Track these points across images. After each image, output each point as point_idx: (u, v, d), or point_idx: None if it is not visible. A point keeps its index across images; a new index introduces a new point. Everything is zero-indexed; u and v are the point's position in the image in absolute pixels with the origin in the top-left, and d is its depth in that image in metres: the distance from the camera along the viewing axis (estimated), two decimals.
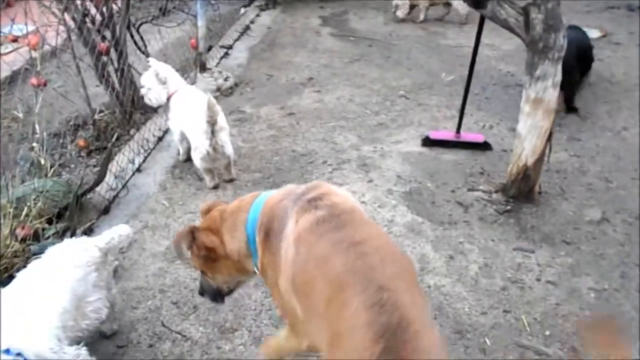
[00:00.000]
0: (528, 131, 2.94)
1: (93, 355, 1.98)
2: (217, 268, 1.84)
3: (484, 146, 3.75)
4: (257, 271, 1.78)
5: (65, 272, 1.94)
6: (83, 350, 1.84)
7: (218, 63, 5.36)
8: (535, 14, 2.64)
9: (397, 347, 1.26)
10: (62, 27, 3.71)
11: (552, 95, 2.79)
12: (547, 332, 2.34)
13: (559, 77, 2.77)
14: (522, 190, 3.11)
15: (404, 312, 1.32)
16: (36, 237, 2.74)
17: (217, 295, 1.99)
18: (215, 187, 3.28)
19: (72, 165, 3.80)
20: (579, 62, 4.13)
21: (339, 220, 1.58)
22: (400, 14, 6.69)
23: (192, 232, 1.78)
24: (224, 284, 1.94)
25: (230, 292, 2.02)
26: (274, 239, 1.65)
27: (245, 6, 7.41)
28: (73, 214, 2.86)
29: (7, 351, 1.59)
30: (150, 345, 2.25)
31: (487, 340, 2.30)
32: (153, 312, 2.41)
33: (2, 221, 2.55)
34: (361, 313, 1.33)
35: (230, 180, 3.34)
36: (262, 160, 3.65)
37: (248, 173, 3.48)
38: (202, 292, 2.03)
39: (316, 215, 1.58)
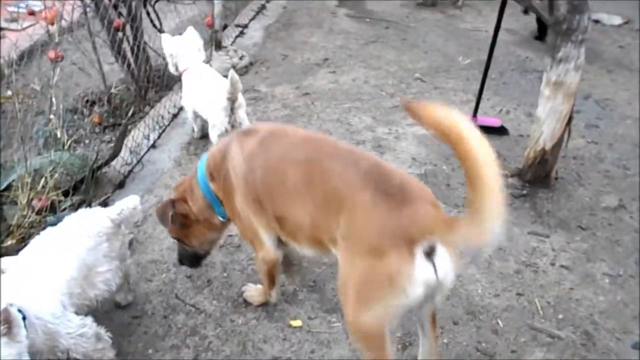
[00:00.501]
0: (547, 115, 2.90)
1: (109, 325, 2.01)
2: (192, 233, 2.17)
3: (501, 130, 3.71)
4: (223, 219, 2.13)
5: (76, 240, 1.96)
6: (88, 321, 1.85)
7: (233, 42, 5.33)
8: None
9: (383, 175, 1.64)
10: (78, 2, 3.71)
11: (574, 78, 2.75)
12: (560, 316, 2.33)
13: (581, 60, 2.72)
14: (538, 175, 3.08)
15: (377, 160, 1.81)
16: (52, 209, 2.76)
17: (195, 260, 2.31)
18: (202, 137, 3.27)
19: (87, 141, 3.82)
20: None
21: (282, 133, 1.97)
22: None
23: (173, 203, 2.12)
24: (200, 247, 2.25)
25: (207, 254, 2.33)
26: (222, 176, 1.99)
27: None
28: (89, 187, 2.88)
29: (10, 305, 1.61)
30: (165, 317, 2.27)
31: (500, 322, 2.30)
32: (167, 284, 2.43)
33: (20, 192, 2.57)
34: (343, 169, 1.69)
35: None
36: None
37: None
38: (181, 261, 2.34)
39: (258, 136, 1.94)
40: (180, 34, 3.53)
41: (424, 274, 1.51)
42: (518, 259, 2.64)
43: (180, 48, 3.37)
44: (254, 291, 2.35)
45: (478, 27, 5.97)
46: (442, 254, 1.53)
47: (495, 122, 3.76)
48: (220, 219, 2.14)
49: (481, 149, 1.36)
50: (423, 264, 1.51)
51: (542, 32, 5.60)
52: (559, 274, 2.56)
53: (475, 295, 2.43)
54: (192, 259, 2.29)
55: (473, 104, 3.79)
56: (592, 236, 2.80)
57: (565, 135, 3.01)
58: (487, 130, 3.70)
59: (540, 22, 5.52)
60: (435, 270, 1.52)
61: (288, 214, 1.86)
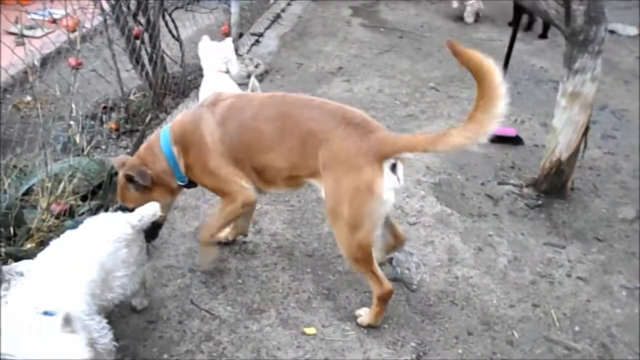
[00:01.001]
0: (563, 125, 2.89)
1: (125, 330, 2.03)
2: (153, 197, 2.27)
3: (516, 140, 3.71)
4: (184, 184, 2.35)
5: (96, 245, 1.99)
6: (104, 322, 1.88)
7: (249, 50, 5.38)
8: (577, 5, 2.59)
9: (347, 113, 2.07)
10: (98, 11, 3.77)
11: (590, 89, 2.75)
12: (577, 328, 2.31)
13: (598, 71, 2.72)
14: (554, 186, 3.06)
15: (336, 103, 2.17)
16: (70, 213, 2.80)
17: (154, 231, 2.38)
18: None
19: (104, 147, 3.87)
20: None
21: (248, 97, 2.29)
22: (469, 19, 6.36)
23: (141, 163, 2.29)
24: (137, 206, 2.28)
25: (163, 221, 2.47)
26: (192, 142, 2.22)
27: None
28: (107, 193, 2.92)
29: (48, 313, 1.63)
30: (180, 322, 2.28)
31: (515, 333, 2.28)
32: (182, 290, 2.45)
33: (40, 196, 2.61)
34: (313, 114, 2.07)
35: None
36: None
37: None
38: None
39: (226, 103, 2.23)
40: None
41: (392, 183, 1.99)
42: (533, 270, 2.63)
43: (229, 54, 3.43)
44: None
45: (492, 37, 5.97)
46: (400, 167, 2.03)
47: (510, 131, 3.75)
48: (179, 183, 2.36)
49: (498, 77, 1.81)
50: (390, 175, 1.98)
51: (545, 29, 5.94)
52: (575, 285, 2.54)
53: (490, 305, 2.42)
54: (150, 229, 2.25)
55: None
56: (608, 248, 2.78)
57: (582, 146, 3.00)
58: (503, 140, 3.70)
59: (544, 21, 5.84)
60: (398, 179, 2.02)
61: (268, 164, 2.19)
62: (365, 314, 2.30)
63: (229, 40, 3.55)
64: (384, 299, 2.20)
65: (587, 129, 2.91)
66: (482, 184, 3.28)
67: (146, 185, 2.28)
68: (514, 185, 3.22)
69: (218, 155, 2.22)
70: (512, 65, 3.61)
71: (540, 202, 3.08)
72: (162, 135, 2.31)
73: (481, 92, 1.81)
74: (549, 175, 3.04)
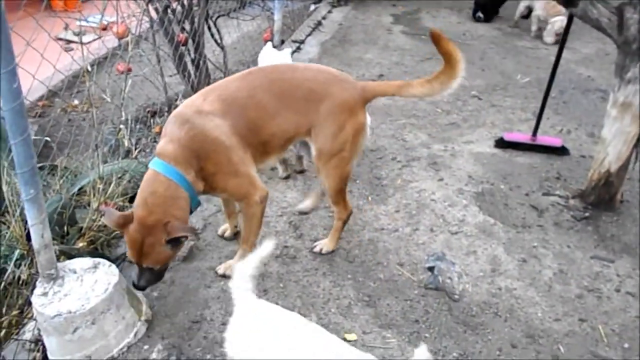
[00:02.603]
0: (613, 136, 2.81)
1: (170, 329, 2.06)
2: (174, 251, 2.14)
3: (561, 151, 3.62)
4: (195, 207, 2.22)
5: None
6: None
7: (290, 57, 5.44)
8: (630, 13, 2.52)
9: (330, 71, 2.48)
10: (145, 18, 3.89)
11: None
12: (626, 345, 2.24)
13: None
14: (602, 198, 2.98)
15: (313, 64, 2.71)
16: None
17: (159, 278, 2.22)
18: (287, 178, 3.34)
19: (148, 150, 3.98)
20: None
21: (226, 83, 2.35)
22: (549, 39, 5.84)
23: (167, 225, 2.04)
24: (168, 266, 2.24)
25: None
26: (208, 151, 2.17)
27: (315, 3, 7.47)
28: None
29: None
30: (223, 323, 2.32)
31: (561, 348, 2.23)
32: (225, 292, 2.49)
33: (92, 197, 2.70)
34: (304, 75, 2.40)
35: (301, 172, 3.39)
36: None
37: None
38: (146, 286, 2.18)
39: (211, 98, 2.23)
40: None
41: (368, 121, 2.54)
42: (580, 284, 2.56)
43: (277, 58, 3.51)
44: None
45: (537, 45, 5.86)
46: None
47: (556, 141, 3.67)
48: (194, 208, 2.23)
49: (460, 67, 2.29)
50: (367, 115, 2.50)
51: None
52: (624, 301, 2.46)
53: (535, 318, 2.37)
54: (158, 277, 2.21)
55: (532, 123, 3.72)
56: None
57: (633, 158, 2.91)
58: (548, 150, 3.63)
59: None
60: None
61: (275, 131, 2.33)
62: (325, 243, 2.72)
63: (288, 50, 3.61)
64: (346, 221, 2.68)
65: (638, 140, 2.82)
66: (527, 194, 3.22)
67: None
68: (560, 197, 3.15)
69: (236, 148, 2.23)
70: (558, 74, 3.53)
71: (587, 214, 3.00)
72: (166, 171, 2.10)
73: (447, 67, 2.30)
74: (597, 187, 2.96)
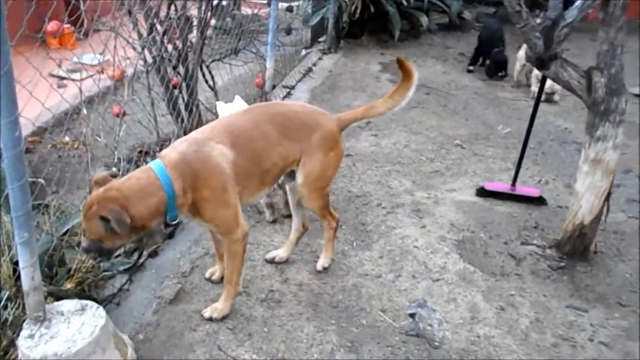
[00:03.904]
0: (586, 190, 2.95)
1: None
2: (118, 237, 2.15)
3: (539, 201, 3.76)
4: (174, 221, 2.28)
5: None
6: None
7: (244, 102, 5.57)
8: (598, 77, 2.70)
9: (312, 107, 2.87)
10: (140, 62, 4.02)
11: (612, 156, 2.82)
12: None
13: (619, 139, 2.80)
14: (577, 248, 3.10)
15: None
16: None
17: (107, 255, 2.32)
18: (274, 222, 3.42)
19: None
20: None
21: (235, 116, 2.64)
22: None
23: (123, 208, 2.07)
24: (116, 248, 2.33)
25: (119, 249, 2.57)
26: (206, 175, 2.29)
27: (306, 48, 7.73)
28: (142, 236, 3.05)
29: None
30: None
31: None
32: (210, 335, 2.53)
33: (81, 237, 2.75)
34: (295, 109, 2.74)
35: (288, 216, 3.46)
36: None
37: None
38: (88, 251, 2.27)
39: (222, 126, 2.46)
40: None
41: None
42: (555, 332, 2.64)
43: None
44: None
45: (518, 97, 6.11)
46: None
47: (534, 192, 3.82)
48: (170, 221, 2.29)
49: (415, 77, 2.73)
50: None
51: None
52: (598, 350, 2.54)
53: None
54: (104, 252, 2.27)
55: (512, 172, 3.87)
56: (632, 314, 2.78)
57: (604, 210, 3.04)
58: (526, 199, 3.76)
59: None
60: None
61: (276, 161, 2.54)
62: (324, 257, 3.00)
63: (238, 97, 3.69)
64: (337, 228, 2.94)
65: (609, 194, 2.97)
66: (505, 243, 3.33)
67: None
68: (537, 246, 3.26)
69: (233, 180, 2.36)
70: (537, 125, 3.71)
71: (563, 264, 3.10)
72: (160, 172, 2.19)
73: (402, 85, 2.73)
74: (572, 238, 3.08)
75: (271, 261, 3.04)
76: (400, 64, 2.74)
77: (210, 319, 2.60)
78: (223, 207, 2.37)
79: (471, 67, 7.03)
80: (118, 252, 2.97)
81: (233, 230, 2.42)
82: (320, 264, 2.99)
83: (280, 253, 3.05)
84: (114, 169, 3.35)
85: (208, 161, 2.30)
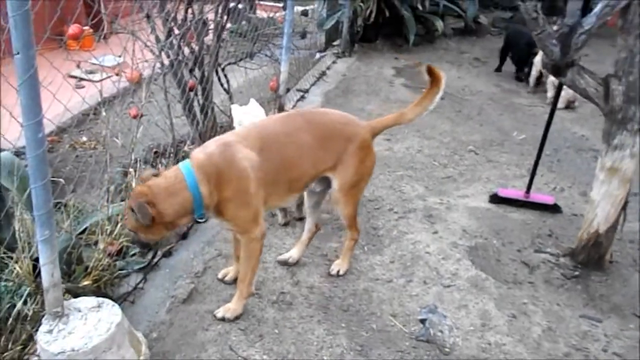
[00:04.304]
0: (602, 198, 2.94)
1: None
2: (150, 231, 2.33)
3: (554, 208, 3.74)
4: (201, 220, 2.45)
5: None
6: None
7: (294, 105, 5.65)
8: (615, 85, 2.69)
9: (346, 114, 2.86)
10: (158, 64, 4.07)
11: (630, 165, 2.80)
12: None
13: (637, 148, 2.78)
14: (591, 257, 3.08)
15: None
16: (121, 254, 2.98)
17: (146, 246, 2.60)
18: (286, 224, 3.45)
19: None
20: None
21: (269, 122, 2.78)
22: (560, 105, 5.68)
23: (149, 204, 2.24)
24: (152, 241, 2.46)
25: (156, 244, 2.67)
26: (231, 177, 2.37)
27: (320, 52, 7.77)
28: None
29: None
30: None
31: None
32: (222, 335, 2.56)
33: (99, 236, 2.80)
34: (327, 118, 2.76)
35: (300, 219, 3.50)
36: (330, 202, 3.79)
37: None
38: (134, 242, 2.65)
39: (255, 131, 2.55)
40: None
41: None
42: (568, 342, 2.63)
43: (247, 116, 3.62)
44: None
45: (533, 103, 6.08)
46: None
47: (548, 199, 3.80)
48: (197, 219, 2.44)
49: (443, 81, 2.82)
50: None
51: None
52: None
53: None
54: (144, 246, 2.56)
55: (526, 179, 3.85)
56: None
57: (621, 219, 3.02)
58: (541, 207, 3.75)
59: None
60: None
61: (308, 169, 2.62)
62: (340, 265, 3.02)
63: (253, 100, 3.71)
64: (356, 242, 3.04)
65: (626, 203, 2.94)
66: (519, 250, 3.31)
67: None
68: (551, 254, 3.24)
69: (257, 183, 2.43)
70: (553, 132, 3.69)
71: (577, 273, 3.08)
72: (187, 173, 2.32)
73: (431, 91, 2.81)
74: (587, 246, 3.06)
75: (284, 263, 3.07)
76: (430, 70, 2.80)
77: (223, 319, 2.63)
78: (244, 207, 2.45)
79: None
80: (133, 252, 3.03)
81: (252, 229, 2.49)
82: (335, 269, 3.02)
83: (293, 254, 3.08)
84: (131, 169, 3.40)
85: (232, 163, 2.39)
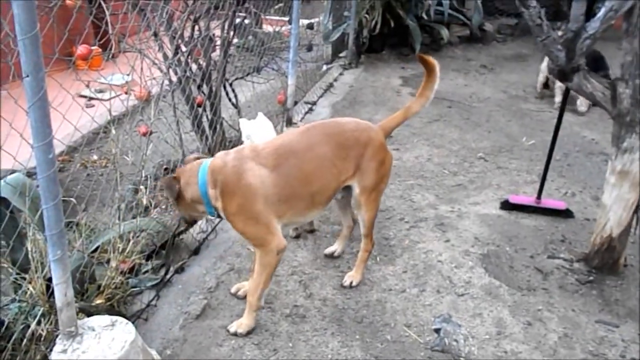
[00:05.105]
0: (613, 202, 2.91)
1: None
2: (181, 205, 2.63)
3: (566, 213, 3.71)
4: (214, 216, 2.66)
5: None
6: None
7: (302, 118, 5.67)
8: (622, 88, 2.68)
9: (359, 120, 2.93)
10: (166, 81, 4.12)
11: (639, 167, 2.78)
12: None
13: None
14: (605, 262, 3.04)
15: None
16: (133, 271, 3.00)
17: (185, 220, 3.11)
18: (297, 237, 3.45)
19: (163, 207, 4.11)
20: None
21: (287, 137, 2.78)
22: (583, 108, 5.86)
23: (176, 179, 2.56)
24: (187, 215, 2.83)
25: (194, 221, 3.29)
26: (236, 192, 2.46)
27: (327, 64, 7.81)
28: (169, 253, 3.12)
29: None
30: None
31: None
32: (236, 350, 2.55)
33: (111, 254, 2.82)
34: (343, 127, 2.77)
35: (311, 231, 3.50)
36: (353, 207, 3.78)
37: (327, 225, 3.63)
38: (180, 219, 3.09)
39: (270, 148, 2.58)
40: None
41: None
42: (585, 348, 2.59)
43: (255, 130, 3.65)
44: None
45: (541, 108, 6.05)
46: None
47: (560, 205, 3.77)
48: (209, 214, 2.66)
49: (437, 68, 2.86)
50: None
51: None
52: None
53: None
54: (184, 219, 3.06)
55: (537, 185, 3.83)
56: None
57: (633, 223, 2.99)
58: (552, 212, 3.72)
59: None
60: None
61: (329, 183, 2.66)
62: (353, 277, 3.02)
63: (261, 114, 3.75)
64: (370, 253, 3.05)
65: (637, 206, 2.91)
66: (532, 256, 3.29)
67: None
68: (565, 260, 3.21)
69: (266, 199, 2.48)
70: (562, 137, 3.67)
71: (591, 278, 3.05)
72: (201, 174, 2.51)
73: (428, 80, 2.87)
74: (600, 251, 3.03)
75: (330, 255, 3.25)
76: (422, 59, 2.88)
77: (236, 334, 2.63)
78: (252, 223, 2.51)
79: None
80: (145, 269, 3.05)
81: (267, 243, 2.53)
82: (348, 281, 3.01)
83: (338, 248, 3.26)
84: (141, 186, 3.43)
85: (240, 179, 2.46)
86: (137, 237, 3.08)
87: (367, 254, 3.01)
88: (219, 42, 4.55)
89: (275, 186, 2.49)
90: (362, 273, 3.04)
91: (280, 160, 2.53)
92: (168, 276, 3.03)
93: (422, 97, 2.90)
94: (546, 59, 5.52)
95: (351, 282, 3.00)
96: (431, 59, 2.85)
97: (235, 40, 5.24)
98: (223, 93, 4.88)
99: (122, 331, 2.21)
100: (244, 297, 2.86)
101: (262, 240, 2.53)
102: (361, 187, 2.76)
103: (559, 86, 5.82)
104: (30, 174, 2.72)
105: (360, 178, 2.75)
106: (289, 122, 5.17)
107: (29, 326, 2.32)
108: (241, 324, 2.65)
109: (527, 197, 3.87)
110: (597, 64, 5.39)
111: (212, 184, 2.48)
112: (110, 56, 3.44)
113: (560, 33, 2.83)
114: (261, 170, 2.48)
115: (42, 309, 2.37)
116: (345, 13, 7.60)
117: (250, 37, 6.42)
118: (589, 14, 2.87)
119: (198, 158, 2.65)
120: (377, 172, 2.77)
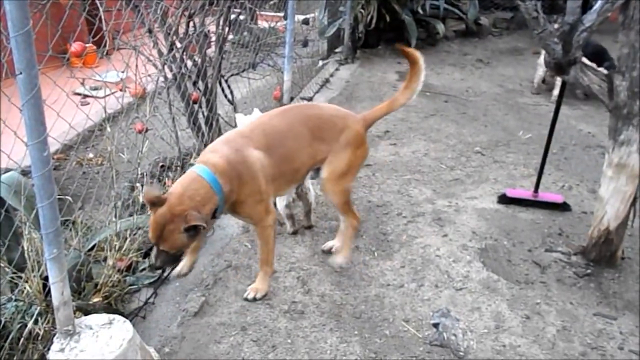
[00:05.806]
0: (610, 195, 2.91)
1: None
2: (192, 241, 2.46)
3: (563, 207, 3.71)
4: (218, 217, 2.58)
5: None
6: None
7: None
8: (619, 81, 2.67)
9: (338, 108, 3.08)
10: (161, 78, 4.10)
11: (637, 160, 2.77)
12: None
13: None
14: (603, 255, 3.05)
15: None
16: (130, 269, 2.99)
17: (176, 260, 2.59)
18: (295, 233, 3.44)
19: None
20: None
21: (268, 117, 2.80)
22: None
23: (186, 217, 2.28)
24: (183, 250, 2.53)
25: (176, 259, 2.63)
26: (247, 178, 2.53)
27: (323, 59, 7.78)
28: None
29: None
30: None
31: None
32: (235, 347, 2.55)
33: (108, 253, 2.81)
34: (323, 111, 2.93)
35: (309, 227, 3.50)
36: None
37: (325, 221, 3.62)
38: (161, 266, 2.58)
39: (258, 130, 2.67)
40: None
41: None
42: (584, 341, 2.60)
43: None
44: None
45: (538, 102, 6.05)
46: None
47: (557, 198, 3.77)
48: (217, 216, 2.57)
49: (421, 60, 2.88)
50: None
51: None
52: (628, 359, 2.49)
53: None
54: (173, 260, 2.55)
55: (534, 179, 3.83)
56: None
57: (631, 215, 2.99)
58: (550, 206, 3.72)
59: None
60: None
61: (307, 160, 2.76)
62: (340, 255, 3.02)
63: (256, 110, 3.73)
64: (356, 229, 3.06)
65: (635, 199, 2.92)
66: (529, 250, 3.29)
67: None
68: (562, 253, 3.21)
69: (266, 179, 2.60)
70: (559, 130, 3.67)
71: (589, 270, 3.05)
72: (211, 180, 2.40)
73: (413, 72, 2.89)
74: (598, 244, 3.03)
75: (328, 251, 3.21)
76: (404, 52, 2.91)
77: (254, 299, 2.81)
78: (257, 203, 2.63)
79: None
80: (142, 267, 3.04)
81: (265, 218, 2.68)
82: (337, 262, 3.03)
83: (336, 244, 3.20)
84: (137, 184, 3.41)
85: (248, 165, 2.54)
86: (134, 234, 3.07)
87: (352, 230, 3.03)
88: (214, 39, 4.53)
89: (270, 166, 2.61)
90: (350, 252, 3.07)
91: (269, 141, 2.63)
92: (166, 274, 3.02)
93: (408, 89, 2.94)
94: (543, 52, 5.51)
95: (340, 263, 3.03)
96: (413, 51, 2.87)
97: (230, 37, 5.22)
98: (219, 89, 4.86)
99: (120, 329, 2.20)
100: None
101: (263, 217, 2.66)
102: (329, 170, 2.82)
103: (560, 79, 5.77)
104: (25, 173, 2.70)
105: (329, 162, 2.81)
106: None
107: (26, 325, 2.31)
108: (257, 290, 2.83)
109: (524, 191, 3.87)
110: (600, 57, 5.36)
111: (227, 183, 2.46)
112: (104, 53, 3.42)
113: (556, 26, 2.82)
114: (259, 153, 2.58)
115: (39, 308, 2.35)
116: (341, 8, 7.58)
117: (245, 33, 6.39)
118: (585, 7, 2.86)
119: (159, 194, 2.35)
120: (348, 160, 2.81)
